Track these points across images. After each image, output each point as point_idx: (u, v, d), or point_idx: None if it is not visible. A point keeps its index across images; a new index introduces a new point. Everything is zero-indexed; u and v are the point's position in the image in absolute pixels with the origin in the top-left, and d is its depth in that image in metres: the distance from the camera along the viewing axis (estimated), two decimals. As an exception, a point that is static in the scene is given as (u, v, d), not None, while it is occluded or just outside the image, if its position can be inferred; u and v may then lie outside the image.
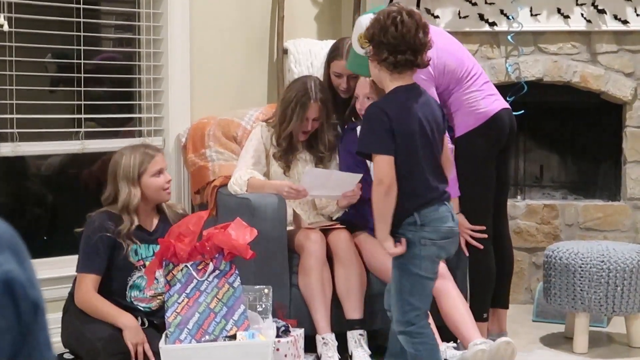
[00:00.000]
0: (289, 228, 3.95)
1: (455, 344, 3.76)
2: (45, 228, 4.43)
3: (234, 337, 3.22)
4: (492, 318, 4.04)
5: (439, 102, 3.37)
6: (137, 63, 4.52)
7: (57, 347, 3.52)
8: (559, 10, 4.89)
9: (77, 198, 4.45)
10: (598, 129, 5.18)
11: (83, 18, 4.21)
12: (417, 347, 3.05)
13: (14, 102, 4.00)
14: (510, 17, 4.87)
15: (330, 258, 3.87)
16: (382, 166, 2.95)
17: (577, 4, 4.88)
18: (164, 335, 3.24)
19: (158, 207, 3.71)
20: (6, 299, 1.01)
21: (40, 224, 4.42)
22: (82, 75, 4.23)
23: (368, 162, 3.98)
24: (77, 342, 3.54)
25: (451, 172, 3.27)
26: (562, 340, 4.32)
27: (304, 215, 4.08)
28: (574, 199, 5.19)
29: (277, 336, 3.43)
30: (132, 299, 3.58)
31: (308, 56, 4.71)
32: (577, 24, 4.90)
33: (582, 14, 4.88)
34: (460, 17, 4.86)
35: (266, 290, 3.49)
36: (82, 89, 4.23)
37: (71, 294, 3.60)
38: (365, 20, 3.36)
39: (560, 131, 5.27)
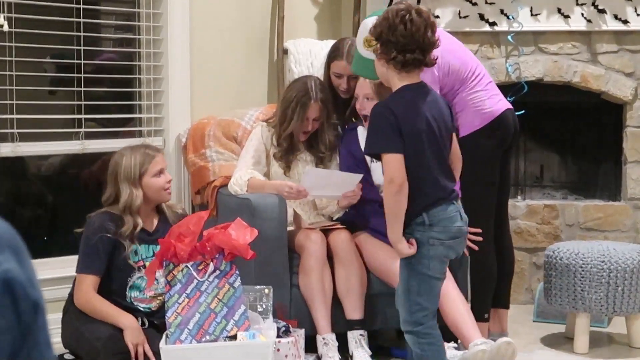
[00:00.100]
0: (289, 228, 3.94)
1: (455, 344, 3.76)
2: (45, 228, 4.43)
3: (234, 337, 3.22)
4: (493, 318, 4.04)
5: None
6: (137, 63, 4.52)
7: (57, 347, 3.52)
8: (559, 10, 4.89)
9: (77, 198, 4.45)
10: (598, 129, 5.18)
11: (83, 18, 4.21)
12: (423, 347, 3.03)
13: (14, 102, 3.99)
14: (510, 17, 4.87)
15: (330, 258, 3.87)
16: (392, 165, 2.92)
17: (577, 4, 4.88)
18: (164, 336, 3.24)
19: (158, 208, 3.71)
20: (6, 299, 1.01)
21: (40, 225, 4.42)
22: (82, 75, 4.23)
23: (369, 162, 3.99)
24: (77, 343, 3.54)
25: (459, 171, 3.23)
26: (563, 341, 4.32)
27: (304, 216, 4.08)
28: (575, 199, 5.19)
29: (278, 336, 3.43)
30: (132, 300, 3.58)
31: (308, 56, 4.71)
32: (577, 23, 4.90)
33: (582, 14, 4.88)
34: (460, 17, 4.86)
35: (267, 291, 3.49)
36: (82, 89, 4.23)
37: (71, 295, 3.59)
38: (370, 22, 3.35)
39: (561, 131, 5.27)
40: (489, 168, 3.86)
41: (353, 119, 4.15)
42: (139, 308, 3.58)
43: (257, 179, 3.94)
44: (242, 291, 3.32)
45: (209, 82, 4.64)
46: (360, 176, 3.88)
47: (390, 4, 4.76)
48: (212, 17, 4.66)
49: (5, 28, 3.86)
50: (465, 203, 3.81)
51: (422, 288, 2.99)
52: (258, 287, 3.49)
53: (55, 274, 3.98)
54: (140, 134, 4.50)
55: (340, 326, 3.78)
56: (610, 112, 5.07)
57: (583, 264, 4.09)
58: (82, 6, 4.20)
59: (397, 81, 3.00)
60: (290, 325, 3.58)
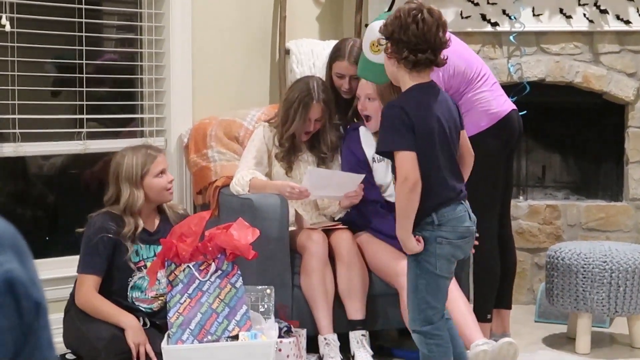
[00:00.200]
0: (291, 228, 3.94)
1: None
2: (47, 228, 4.43)
3: (236, 337, 3.22)
4: (495, 319, 4.03)
5: None
6: (138, 63, 4.53)
7: (58, 347, 3.51)
8: (561, 11, 4.89)
9: (79, 198, 4.45)
10: (600, 129, 5.17)
11: (85, 18, 4.21)
12: (431, 348, 3.02)
13: (16, 102, 3.99)
14: (512, 17, 4.87)
15: (332, 258, 3.87)
16: (406, 163, 2.89)
17: (579, 4, 4.88)
18: (166, 336, 3.24)
19: (159, 208, 3.71)
20: (8, 299, 1.01)
21: (42, 224, 4.42)
22: (84, 75, 4.23)
23: (371, 162, 3.99)
24: (78, 343, 3.54)
25: (471, 166, 3.21)
26: (565, 341, 4.31)
27: (306, 216, 4.08)
28: (576, 199, 5.18)
29: (280, 336, 3.42)
30: (134, 300, 3.58)
31: (310, 56, 4.71)
32: (579, 24, 4.90)
33: (584, 14, 4.88)
34: (462, 18, 4.86)
35: (268, 291, 3.48)
36: (84, 89, 4.23)
37: (72, 295, 3.60)
38: (376, 26, 3.35)
39: (563, 131, 5.27)
40: (494, 168, 3.86)
41: (355, 120, 4.15)
42: (141, 308, 3.58)
43: (259, 179, 3.94)
44: (244, 291, 3.32)
45: (210, 82, 4.64)
46: (362, 176, 3.88)
47: (392, 4, 4.76)
48: (213, 17, 4.66)
49: (7, 28, 3.86)
50: (469, 203, 3.81)
51: (429, 286, 2.99)
52: (260, 287, 3.49)
53: (57, 274, 3.98)
54: (142, 134, 4.50)
55: (342, 326, 3.78)
56: (612, 112, 5.06)
57: (585, 264, 4.09)
58: (84, 6, 4.20)
59: (408, 80, 2.99)
60: (291, 326, 3.58)
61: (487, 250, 3.87)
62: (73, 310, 3.55)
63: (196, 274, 3.27)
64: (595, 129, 5.18)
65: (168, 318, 3.22)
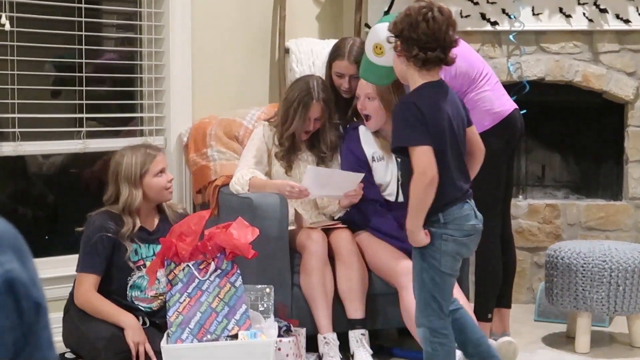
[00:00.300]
0: (291, 228, 3.94)
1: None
2: (46, 227, 4.43)
3: (235, 336, 3.22)
4: (495, 318, 4.03)
5: None
6: (138, 62, 4.52)
7: (58, 346, 3.50)
8: (560, 10, 4.89)
9: (78, 198, 4.45)
10: (600, 128, 5.17)
11: (85, 17, 4.21)
12: (435, 346, 3.02)
13: (16, 101, 4.00)
14: (512, 16, 4.87)
15: (331, 258, 3.87)
16: (424, 157, 2.88)
17: (579, 3, 4.87)
18: (165, 335, 3.24)
19: (159, 207, 3.72)
20: (8, 299, 1.01)
21: (41, 224, 4.42)
22: (84, 74, 4.23)
23: (370, 162, 3.99)
24: (78, 342, 3.54)
25: (481, 162, 3.21)
26: (564, 340, 4.31)
27: (305, 215, 4.08)
28: (576, 198, 5.18)
29: (279, 336, 3.42)
30: (133, 299, 3.58)
31: (310, 56, 4.71)
32: (579, 23, 4.90)
33: (584, 13, 4.88)
34: (462, 17, 4.86)
35: (268, 290, 3.48)
36: (84, 88, 4.23)
37: (72, 294, 3.60)
38: (379, 28, 3.34)
39: (562, 131, 5.26)
40: (496, 168, 3.85)
41: (354, 119, 4.14)
42: (140, 307, 3.58)
43: (259, 179, 3.94)
44: (244, 290, 3.32)
45: (210, 81, 4.64)
46: (361, 175, 3.88)
47: (391, 4, 4.76)
48: (213, 16, 4.66)
49: (7, 27, 3.86)
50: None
51: (434, 282, 2.99)
52: (259, 286, 3.49)
53: (56, 273, 3.98)
54: (141, 134, 4.50)
55: (342, 326, 3.78)
56: (611, 111, 5.06)
57: (584, 263, 4.09)
58: (83, 5, 4.20)
59: (417, 78, 2.98)
60: (291, 325, 3.58)
61: (490, 250, 3.86)
62: (72, 310, 3.55)
63: (196, 273, 3.27)
64: (595, 128, 5.18)
65: (167, 317, 3.23)
